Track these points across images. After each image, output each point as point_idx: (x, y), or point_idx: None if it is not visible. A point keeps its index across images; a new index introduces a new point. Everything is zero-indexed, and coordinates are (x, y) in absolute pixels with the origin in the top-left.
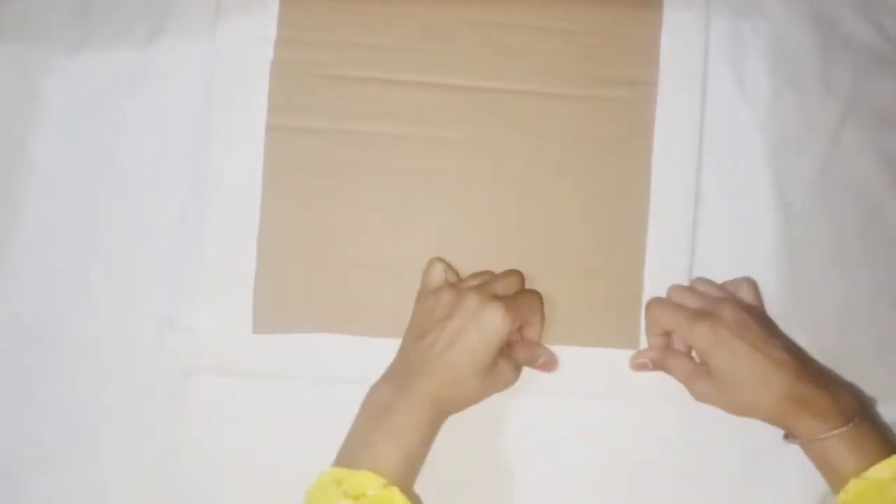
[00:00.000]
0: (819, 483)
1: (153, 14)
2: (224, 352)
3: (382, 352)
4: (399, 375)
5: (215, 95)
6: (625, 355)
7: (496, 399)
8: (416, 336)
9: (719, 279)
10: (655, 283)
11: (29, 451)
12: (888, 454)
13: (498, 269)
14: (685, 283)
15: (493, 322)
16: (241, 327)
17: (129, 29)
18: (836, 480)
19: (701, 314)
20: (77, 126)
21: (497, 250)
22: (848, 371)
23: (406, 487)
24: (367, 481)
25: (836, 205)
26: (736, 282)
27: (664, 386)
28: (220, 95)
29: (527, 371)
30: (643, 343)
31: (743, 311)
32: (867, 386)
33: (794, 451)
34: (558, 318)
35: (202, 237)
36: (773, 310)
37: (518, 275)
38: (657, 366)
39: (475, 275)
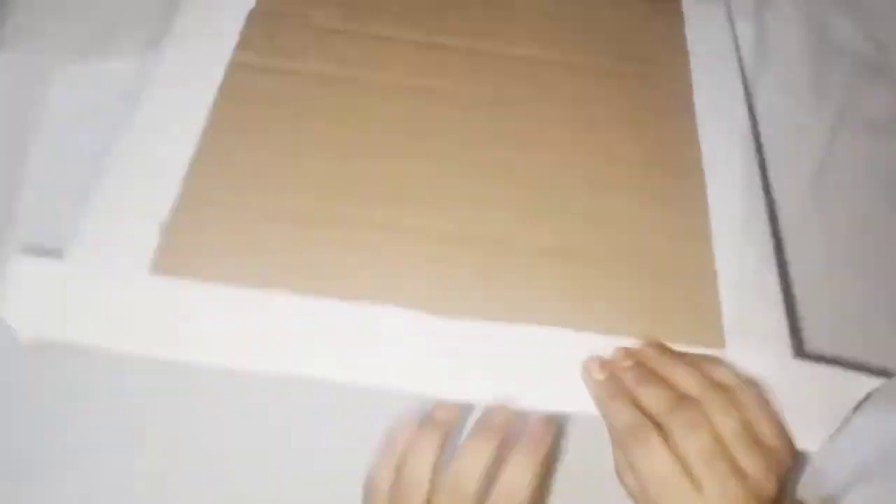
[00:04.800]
0: (814, 490)
1: (156, 22)
2: (111, 293)
3: (300, 311)
4: None
5: (178, 27)
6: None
7: None
8: None
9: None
10: (730, 269)
11: (22, 459)
12: None
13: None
14: (770, 270)
15: None
16: (137, 267)
17: (132, 36)
18: None
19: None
20: (78, 132)
21: (515, 226)
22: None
23: None
24: None
25: (829, 212)
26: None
27: None
28: (184, 27)
29: None
30: (730, 343)
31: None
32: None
33: None
34: (624, 312)
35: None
36: None
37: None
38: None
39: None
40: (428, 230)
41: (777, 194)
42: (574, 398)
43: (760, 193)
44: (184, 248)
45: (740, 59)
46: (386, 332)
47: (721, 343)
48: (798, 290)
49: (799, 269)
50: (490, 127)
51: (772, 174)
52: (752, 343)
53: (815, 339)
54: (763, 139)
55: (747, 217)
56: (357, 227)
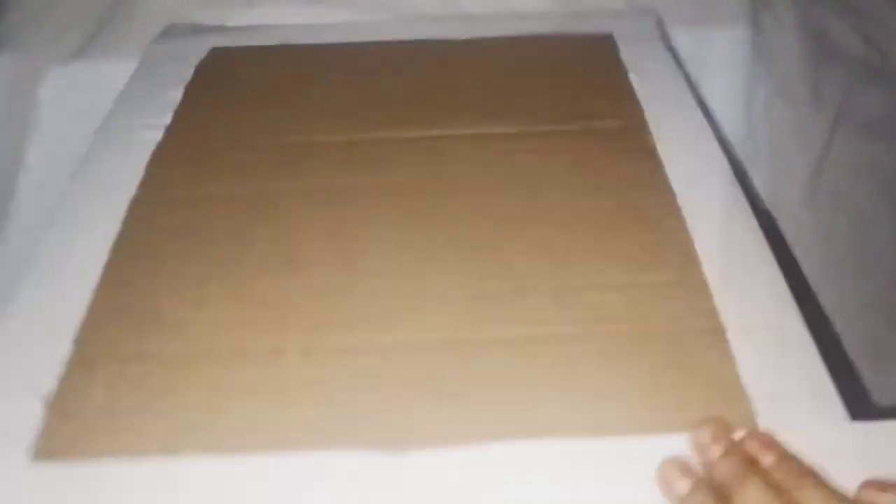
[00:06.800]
0: None
1: (146, 26)
2: None
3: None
4: None
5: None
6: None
7: None
8: None
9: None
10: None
11: None
12: None
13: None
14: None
15: None
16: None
17: (122, 38)
18: None
19: None
20: (70, 131)
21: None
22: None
23: None
24: None
25: (826, 214)
26: None
27: None
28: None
29: None
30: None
31: None
32: (861, 393)
33: None
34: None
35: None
36: None
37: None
38: None
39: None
40: (368, 347)
41: (776, 195)
42: None
43: (757, 230)
44: (74, 424)
45: (692, 86)
46: (332, 483)
47: (748, 418)
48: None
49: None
50: (426, 213)
51: (771, 175)
52: (792, 409)
53: (815, 340)
54: (762, 141)
55: (748, 260)
56: (278, 361)
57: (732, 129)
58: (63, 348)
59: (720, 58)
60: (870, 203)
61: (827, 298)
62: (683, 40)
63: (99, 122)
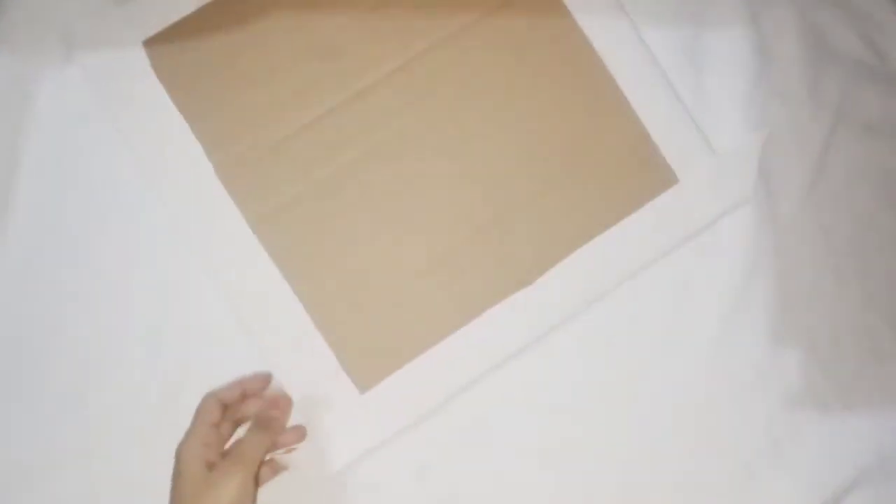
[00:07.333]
0: (813, 494)
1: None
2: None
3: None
4: None
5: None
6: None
7: None
8: None
9: (714, 289)
10: (655, 121)
11: (17, 466)
12: None
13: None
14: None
15: None
16: (347, 394)
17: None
18: None
19: None
20: (69, 131)
21: (501, 189)
22: (841, 379)
23: None
24: None
25: (826, 215)
26: None
27: None
28: (191, 225)
29: None
30: (681, 176)
31: None
32: (860, 394)
33: (789, 461)
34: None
35: (265, 362)
36: (766, 319)
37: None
38: None
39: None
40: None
41: (775, 196)
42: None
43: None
44: (362, 363)
45: None
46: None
47: (673, 178)
48: (797, 291)
49: (798, 270)
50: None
51: (770, 177)
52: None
53: (815, 339)
54: (760, 142)
55: (643, 66)
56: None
57: (731, 129)
58: (304, 324)
59: (719, 58)
60: (870, 203)
61: (827, 298)
62: (682, 40)
63: (98, 122)
